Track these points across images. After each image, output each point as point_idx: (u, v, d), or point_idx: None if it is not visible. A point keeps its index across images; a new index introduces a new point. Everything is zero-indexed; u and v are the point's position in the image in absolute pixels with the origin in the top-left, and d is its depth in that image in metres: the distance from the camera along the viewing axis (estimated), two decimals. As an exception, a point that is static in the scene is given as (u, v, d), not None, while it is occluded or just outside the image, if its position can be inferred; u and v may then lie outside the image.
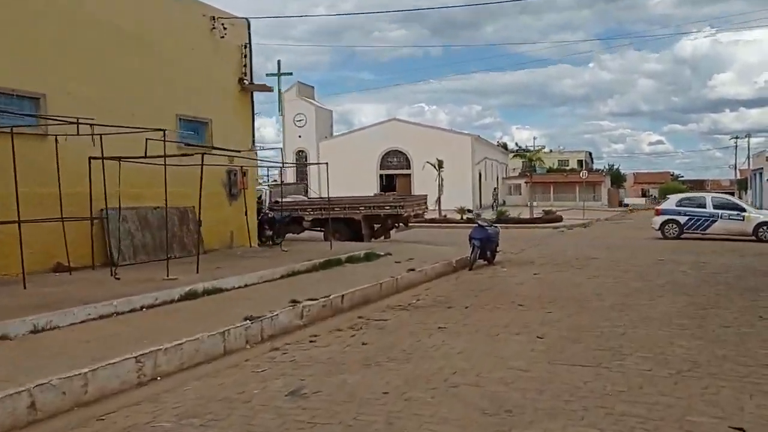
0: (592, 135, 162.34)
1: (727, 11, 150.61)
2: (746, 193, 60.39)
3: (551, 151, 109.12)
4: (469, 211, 34.62)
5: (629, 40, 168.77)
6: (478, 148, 53.64)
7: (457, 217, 34.41)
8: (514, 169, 75.97)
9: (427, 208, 22.37)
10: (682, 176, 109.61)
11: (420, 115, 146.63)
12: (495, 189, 44.27)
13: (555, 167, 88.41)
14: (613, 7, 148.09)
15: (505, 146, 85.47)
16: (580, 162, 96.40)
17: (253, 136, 16.24)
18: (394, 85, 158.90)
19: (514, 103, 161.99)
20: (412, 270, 12.32)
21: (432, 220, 34.81)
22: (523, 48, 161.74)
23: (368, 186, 53.39)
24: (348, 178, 54.42)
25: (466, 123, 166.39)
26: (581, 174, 39.28)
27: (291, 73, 57.58)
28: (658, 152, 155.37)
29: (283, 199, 20.80)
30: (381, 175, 53.91)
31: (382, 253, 14.87)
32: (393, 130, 53.62)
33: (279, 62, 56.27)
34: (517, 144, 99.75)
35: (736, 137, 69.41)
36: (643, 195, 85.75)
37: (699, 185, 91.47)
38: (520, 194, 70.86)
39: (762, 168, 49.35)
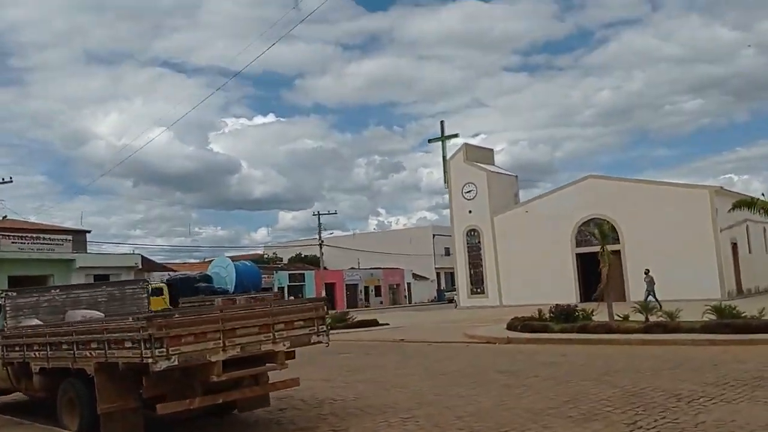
0: None
1: None
2: None
3: None
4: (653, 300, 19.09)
5: None
6: (724, 206, 35.75)
7: (640, 319, 19.36)
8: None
9: (318, 334, 8.71)
10: None
11: (729, 187, 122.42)
12: (647, 271, 26.71)
13: None
14: None
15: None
16: None
17: None
18: (693, 159, 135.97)
19: None
20: None
21: (583, 329, 20.15)
22: None
23: (563, 271, 39.07)
24: (534, 261, 40.62)
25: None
26: None
27: (457, 135, 47.13)
28: None
29: (25, 322, 10.03)
30: (577, 255, 39.01)
31: None
32: (590, 191, 38.84)
33: (442, 123, 45.84)
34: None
35: None
36: None
37: None
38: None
39: None
